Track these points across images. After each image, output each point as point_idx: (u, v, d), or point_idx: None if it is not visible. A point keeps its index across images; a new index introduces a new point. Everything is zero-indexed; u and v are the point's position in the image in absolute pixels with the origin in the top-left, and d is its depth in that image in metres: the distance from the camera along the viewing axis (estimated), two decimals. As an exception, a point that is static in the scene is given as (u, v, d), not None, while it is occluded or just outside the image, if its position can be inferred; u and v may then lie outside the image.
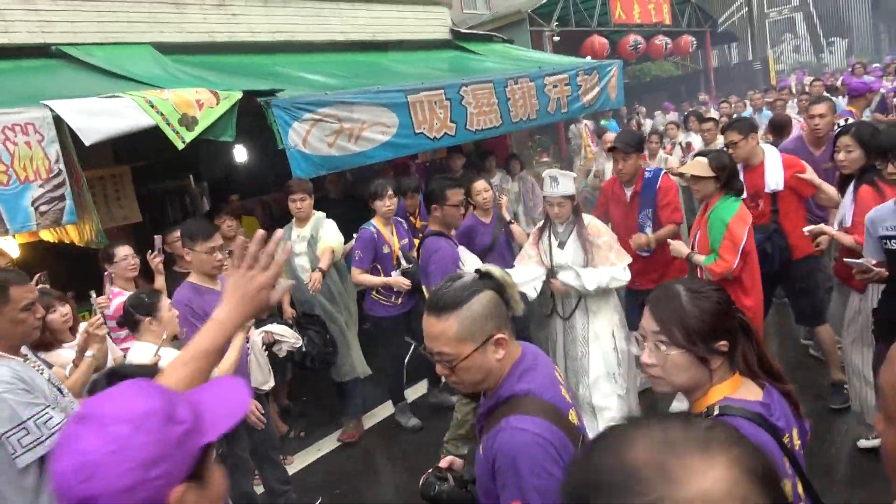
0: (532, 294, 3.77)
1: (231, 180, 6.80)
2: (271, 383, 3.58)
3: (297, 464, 4.39)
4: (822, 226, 3.52)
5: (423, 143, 5.72)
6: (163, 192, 6.36)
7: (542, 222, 3.98)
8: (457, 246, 4.12)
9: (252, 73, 5.96)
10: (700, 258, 3.44)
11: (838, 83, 10.95)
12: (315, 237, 4.49)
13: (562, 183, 3.67)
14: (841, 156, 3.45)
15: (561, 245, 3.78)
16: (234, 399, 1.03)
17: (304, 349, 4.08)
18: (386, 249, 4.48)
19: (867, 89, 6.74)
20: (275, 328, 3.60)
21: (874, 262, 2.85)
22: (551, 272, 3.80)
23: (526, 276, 3.80)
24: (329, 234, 4.48)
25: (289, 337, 3.57)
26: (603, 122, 13.48)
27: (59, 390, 2.37)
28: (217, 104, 4.25)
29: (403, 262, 4.50)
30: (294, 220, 4.61)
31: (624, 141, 4.19)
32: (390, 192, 4.50)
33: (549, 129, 11.38)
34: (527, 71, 7.12)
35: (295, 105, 4.72)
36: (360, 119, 5.14)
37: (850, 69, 12.11)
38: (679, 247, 3.60)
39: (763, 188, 3.90)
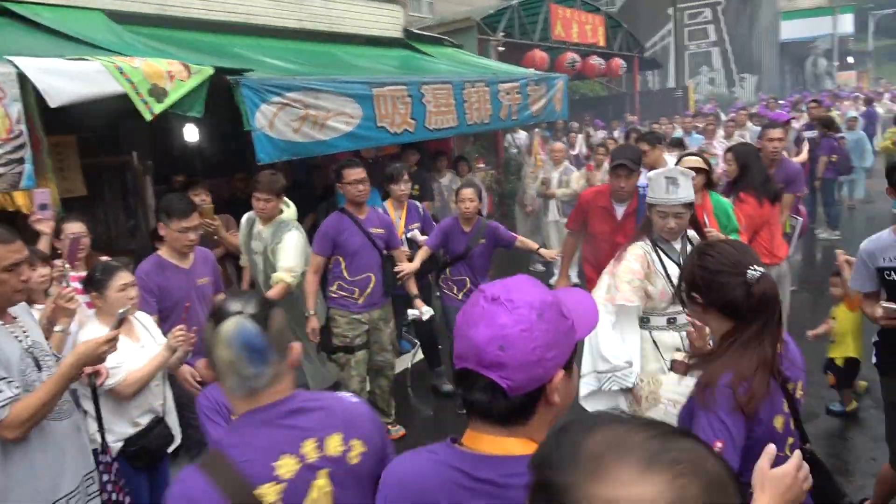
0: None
1: (176, 160, 6.53)
2: None
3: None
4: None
5: (384, 137, 5.74)
6: (100, 167, 6.01)
7: (635, 239, 3.02)
8: (358, 222, 4.09)
9: (208, 51, 5.76)
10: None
11: (753, 111, 11.88)
12: (272, 249, 4.09)
13: (682, 185, 2.84)
14: (725, 167, 4.49)
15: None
16: (589, 306, 1.14)
17: None
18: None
19: (782, 120, 7.43)
20: None
21: None
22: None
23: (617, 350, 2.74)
24: (285, 257, 3.95)
25: None
26: (537, 134, 13.88)
27: (37, 363, 2.19)
28: (188, 78, 4.11)
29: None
30: None
31: (630, 158, 3.85)
32: (406, 176, 4.80)
33: (487, 137, 11.60)
34: (483, 76, 7.27)
35: (264, 86, 4.63)
36: (326, 107, 5.10)
37: (764, 103, 13.16)
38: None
39: None
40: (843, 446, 3.94)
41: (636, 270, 2.85)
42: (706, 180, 3.94)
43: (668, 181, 2.84)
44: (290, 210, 4.36)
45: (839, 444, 3.97)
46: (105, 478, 2.59)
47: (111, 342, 2.27)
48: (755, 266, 1.65)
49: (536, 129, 9.77)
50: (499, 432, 1.05)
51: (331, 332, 4.12)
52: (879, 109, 14.63)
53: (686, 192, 2.85)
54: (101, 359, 2.27)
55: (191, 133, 5.80)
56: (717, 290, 1.68)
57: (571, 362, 1.07)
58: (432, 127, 6.30)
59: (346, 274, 4.07)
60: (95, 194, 5.93)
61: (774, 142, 4.68)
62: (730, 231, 3.91)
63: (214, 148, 6.98)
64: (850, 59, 31.04)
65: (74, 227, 3.55)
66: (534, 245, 4.68)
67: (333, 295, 4.12)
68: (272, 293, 3.84)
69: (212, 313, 1.37)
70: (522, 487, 0.92)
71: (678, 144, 7.15)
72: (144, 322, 3.03)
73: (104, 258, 3.93)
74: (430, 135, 6.37)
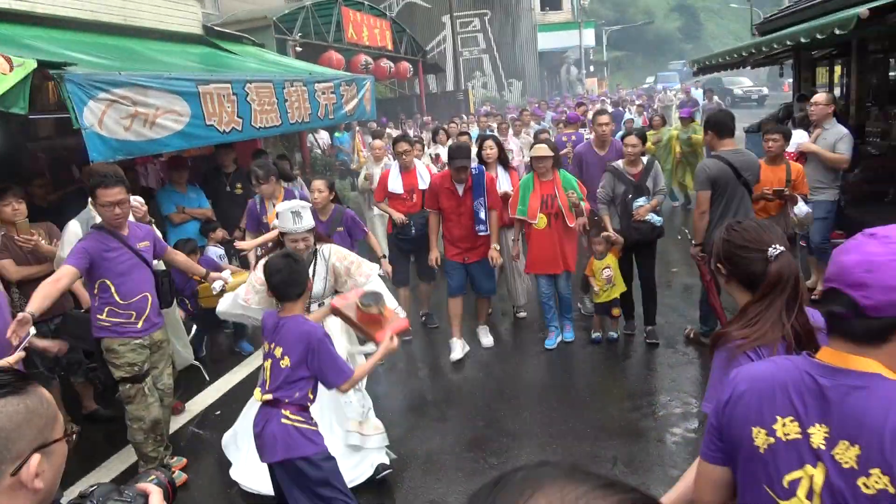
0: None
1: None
2: None
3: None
4: None
5: (214, 135, 5.65)
6: None
7: (267, 253, 3.83)
8: (122, 240, 3.70)
9: (-4, 42, 5.18)
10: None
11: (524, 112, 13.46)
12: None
13: (304, 216, 3.50)
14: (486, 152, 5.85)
15: None
16: None
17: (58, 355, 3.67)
18: (265, 219, 5.07)
19: (577, 118, 8.84)
20: None
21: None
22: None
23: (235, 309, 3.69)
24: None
25: None
26: (336, 135, 14.17)
27: None
28: (10, 71, 3.77)
29: None
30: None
31: (466, 157, 5.10)
32: (273, 178, 5.14)
33: (290, 137, 11.61)
34: (299, 76, 7.40)
35: (89, 82, 4.37)
36: (155, 104, 4.93)
37: (536, 104, 14.93)
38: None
39: (417, 185, 5.82)
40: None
41: (258, 277, 3.41)
42: (553, 161, 5.12)
43: (294, 215, 3.46)
44: None
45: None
46: None
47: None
48: (776, 244, 1.77)
49: (358, 128, 10.06)
50: (852, 350, 1.22)
51: (111, 365, 3.68)
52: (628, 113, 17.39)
53: (308, 221, 3.50)
54: None
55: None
56: (739, 264, 1.83)
57: None
58: (258, 125, 6.32)
59: (117, 298, 3.63)
60: None
61: (603, 126, 5.99)
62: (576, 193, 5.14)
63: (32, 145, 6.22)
64: (591, 68, 35.94)
65: None
66: (380, 251, 5.17)
67: (104, 323, 3.65)
68: None
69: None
70: (861, 398, 1.18)
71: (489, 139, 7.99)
72: None
73: None
74: (256, 133, 6.38)
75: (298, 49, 11.52)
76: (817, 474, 1.21)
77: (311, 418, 2.76)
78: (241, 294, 3.65)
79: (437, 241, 5.48)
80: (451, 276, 5.48)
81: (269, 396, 2.67)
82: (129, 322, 3.66)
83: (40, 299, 3.17)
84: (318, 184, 4.84)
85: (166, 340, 3.98)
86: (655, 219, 5.09)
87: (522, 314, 6.22)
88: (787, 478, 1.25)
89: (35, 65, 3.96)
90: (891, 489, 1.12)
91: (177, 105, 5.18)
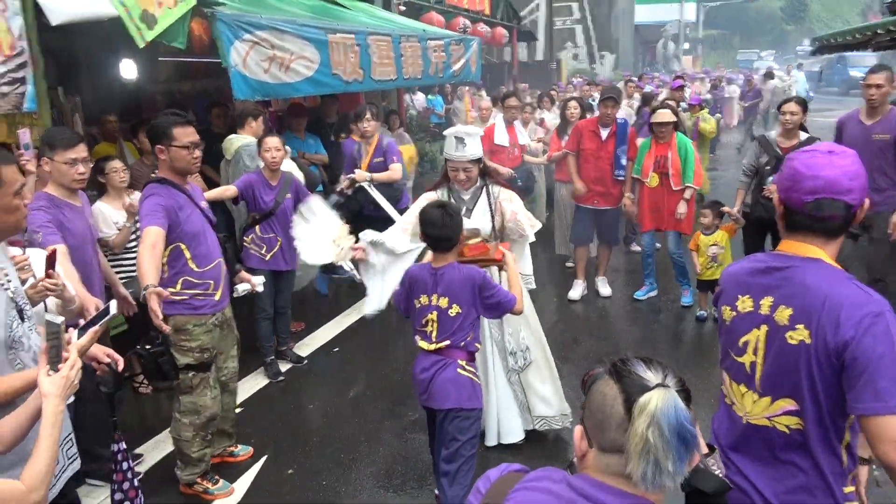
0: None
1: (109, 98, 6.05)
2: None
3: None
4: None
5: (338, 84, 5.77)
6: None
7: (434, 187, 3.48)
8: (189, 195, 3.15)
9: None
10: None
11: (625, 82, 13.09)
12: None
13: (469, 144, 3.19)
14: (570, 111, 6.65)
15: (467, 213, 3.29)
16: None
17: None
18: (360, 165, 5.38)
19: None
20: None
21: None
22: None
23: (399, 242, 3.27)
24: None
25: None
26: (430, 97, 14.19)
27: (21, 314, 1.88)
28: (175, 6, 3.95)
29: None
30: None
31: (615, 94, 5.72)
32: (368, 114, 5.39)
33: (390, 95, 11.72)
34: (415, 32, 7.43)
35: (237, 22, 4.52)
36: (290, 49, 5.06)
37: (637, 78, 14.51)
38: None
39: (518, 140, 6.48)
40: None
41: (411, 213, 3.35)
42: (674, 125, 5.44)
43: (458, 140, 3.18)
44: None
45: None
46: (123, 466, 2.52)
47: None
48: None
49: (468, 88, 10.06)
50: (808, 241, 1.57)
51: (178, 350, 3.02)
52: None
53: (472, 149, 3.19)
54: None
55: (128, 69, 5.41)
56: None
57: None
58: (377, 78, 6.40)
59: (192, 265, 3.09)
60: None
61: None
62: (688, 163, 5.32)
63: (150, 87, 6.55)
64: (686, 45, 34.49)
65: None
66: None
67: (180, 297, 3.06)
68: None
69: (616, 371, 1.17)
70: (800, 273, 1.55)
71: (590, 108, 7.87)
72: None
73: None
74: (375, 85, 6.48)
75: (402, 8, 11.54)
76: (761, 333, 1.60)
77: (477, 371, 2.80)
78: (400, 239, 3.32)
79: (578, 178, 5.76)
80: (578, 225, 5.85)
81: (443, 344, 2.70)
82: (206, 293, 3.15)
83: (154, 271, 2.75)
84: (275, 141, 4.37)
85: (232, 318, 3.47)
86: None
87: (571, 264, 6.51)
88: (742, 339, 1.65)
89: (195, 2, 4.13)
90: (808, 340, 1.49)
91: (307, 51, 5.30)
